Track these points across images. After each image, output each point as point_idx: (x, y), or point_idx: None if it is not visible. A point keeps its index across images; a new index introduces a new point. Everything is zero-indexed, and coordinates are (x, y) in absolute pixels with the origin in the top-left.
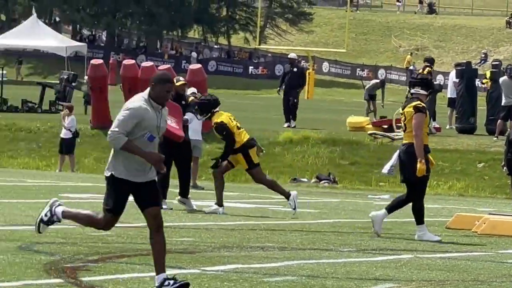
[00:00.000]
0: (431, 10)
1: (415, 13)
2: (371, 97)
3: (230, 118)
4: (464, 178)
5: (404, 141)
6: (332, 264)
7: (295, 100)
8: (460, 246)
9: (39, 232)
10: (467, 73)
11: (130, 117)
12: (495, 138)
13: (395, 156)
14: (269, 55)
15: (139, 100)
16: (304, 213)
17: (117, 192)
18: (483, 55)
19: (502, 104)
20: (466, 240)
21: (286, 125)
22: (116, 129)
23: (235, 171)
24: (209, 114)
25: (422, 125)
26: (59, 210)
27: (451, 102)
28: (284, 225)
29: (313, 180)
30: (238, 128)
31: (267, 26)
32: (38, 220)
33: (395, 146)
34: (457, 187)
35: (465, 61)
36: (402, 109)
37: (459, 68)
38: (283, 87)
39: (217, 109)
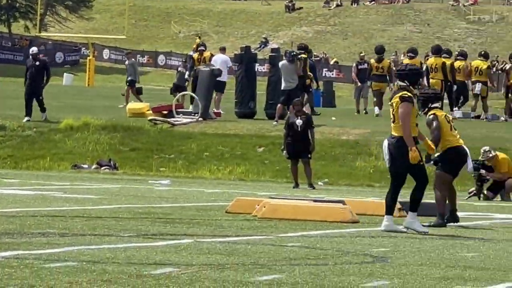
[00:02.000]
0: None
1: None
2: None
3: None
4: (244, 163)
5: (393, 133)
6: (113, 250)
7: (41, 98)
8: (240, 230)
9: None
10: (246, 58)
11: None
12: (275, 123)
13: (385, 148)
14: (50, 42)
15: None
16: (85, 199)
17: None
18: (263, 40)
19: (282, 88)
20: (246, 224)
21: (26, 119)
22: None
23: (17, 158)
24: None
25: (409, 115)
26: None
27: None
28: (65, 212)
29: (94, 166)
30: None
31: (47, 13)
32: None
33: (176, 131)
34: (238, 171)
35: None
36: (390, 100)
37: (238, 53)
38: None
39: None
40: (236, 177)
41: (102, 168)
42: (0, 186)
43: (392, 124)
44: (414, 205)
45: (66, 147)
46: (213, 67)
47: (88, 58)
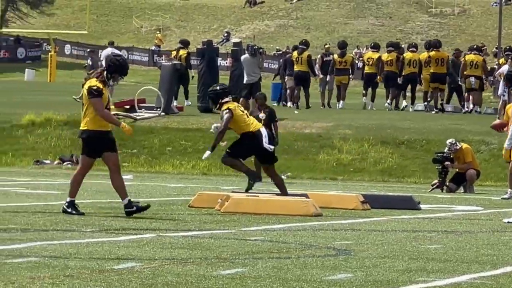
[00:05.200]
0: None
1: None
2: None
3: None
4: None
5: None
6: (75, 245)
7: None
8: (203, 224)
9: None
10: (208, 52)
11: None
12: None
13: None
14: (11, 38)
15: None
16: (47, 195)
17: None
18: (225, 34)
19: (244, 82)
20: (209, 219)
21: None
22: None
23: None
24: None
25: None
26: None
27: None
28: (27, 207)
29: (56, 162)
30: None
31: (8, 9)
32: None
33: (138, 125)
34: (201, 166)
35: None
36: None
37: (199, 47)
38: None
39: None
40: (199, 172)
41: (64, 163)
42: None
43: None
44: None
45: (28, 143)
46: (175, 62)
47: (50, 53)
